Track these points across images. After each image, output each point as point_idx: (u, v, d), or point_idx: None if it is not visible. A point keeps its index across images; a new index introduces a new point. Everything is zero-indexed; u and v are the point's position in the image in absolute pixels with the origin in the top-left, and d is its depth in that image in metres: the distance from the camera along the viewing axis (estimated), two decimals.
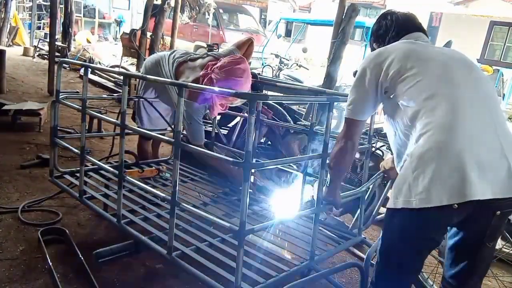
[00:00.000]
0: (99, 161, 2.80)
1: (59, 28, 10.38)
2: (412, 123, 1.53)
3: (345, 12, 4.62)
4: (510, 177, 1.43)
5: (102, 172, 2.87)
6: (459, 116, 1.46)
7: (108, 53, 11.37)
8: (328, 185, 1.90)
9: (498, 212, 1.47)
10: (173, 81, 2.86)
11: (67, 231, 2.59)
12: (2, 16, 11.20)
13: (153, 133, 2.40)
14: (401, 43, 1.72)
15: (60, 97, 2.70)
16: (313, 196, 2.04)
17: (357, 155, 2.80)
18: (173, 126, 2.78)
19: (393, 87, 1.57)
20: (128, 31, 8.45)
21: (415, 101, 1.51)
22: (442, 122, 1.45)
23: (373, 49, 1.87)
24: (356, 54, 8.91)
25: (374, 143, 2.72)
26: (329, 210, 2.47)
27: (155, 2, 7.79)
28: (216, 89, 3.41)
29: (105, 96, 6.74)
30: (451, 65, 1.61)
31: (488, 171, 1.42)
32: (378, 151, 2.83)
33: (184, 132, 2.86)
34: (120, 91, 2.97)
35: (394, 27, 1.80)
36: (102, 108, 5.89)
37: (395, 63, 1.57)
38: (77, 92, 6.09)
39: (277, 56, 9.24)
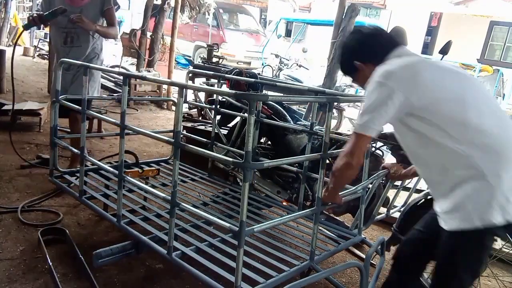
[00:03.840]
0: (99, 161, 2.80)
1: None
2: (463, 139, 1.50)
3: (345, 12, 4.63)
4: None
5: (102, 172, 2.87)
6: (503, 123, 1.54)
7: (108, 53, 11.35)
8: (328, 188, 1.89)
9: None
10: (173, 82, 2.85)
11: (67, 231, 2.59)
12: (2, 16, 11.20)
13: (152, 133, 2.40)
14: (418, 58, 1.66)
15: (60, 97, 2.71)
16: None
17: None
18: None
19: (429, 107, 1.53)
20: (128, 31, 8.45)
21: (459, 119, 1.51)
22: (497, 136, 1.50)
23: (354, 68, 1.76)
24: None
25: (374, 143, 2.72)
26: (329, 210, 2.47)
27: (155, 2, 7.80)
28: (217, 89, 3.42)
29: (105, 96, 6.73)
30: (467, 77, 1.64)
31: None
32: (378, 151, 2.83)
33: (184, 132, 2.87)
34: (120, 91, 2.98)
35: (388, 43, 1.73)
36: (102, 108, 5.89)
37: (430, 83, 1.54)
38: None
39: (277, 56, 9.25)
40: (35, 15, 3.19)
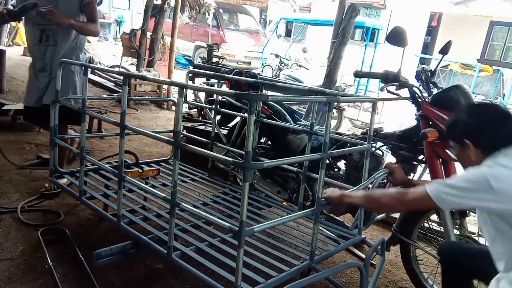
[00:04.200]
0: (99, 161, 2.80)
1: None
2: None
3: (345, 12, 4.63)
4: None
5: (102, 172, 2.87)
6: None
7: (108, 53, 11.37)
8: (352, 196, 1.92)
9: None
10: (173, 82, 2.85)
11: (67, 231, 2.59)
12: None
13: (152, 133, 2.40)
14: None
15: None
16: None
17: (357, 155, 2.80)
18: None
19: None
20: (128, 31, 8.46)
21: None
22: None
23: (461, 142, 1.64)
24: (356, 54, 8.91)
25: (374, 143, 2.72)
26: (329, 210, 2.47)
27: (155, 2, 7.80)
28: (217, 89, 3.42)
29: (105, 96, 6.74)
30: None
31: None
32: (378, 151, 2.83)
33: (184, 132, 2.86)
34: (120, 91, 2.97)
35: (508, 138, 1.59)
36: (102, 108, 5.89)
37: None
38: None
39: (277, 56, 9.24)
40: (4, 11, 3.00)
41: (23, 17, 3.12)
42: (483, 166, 1.55)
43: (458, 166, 2.03)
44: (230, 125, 3.75)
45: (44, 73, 3.13)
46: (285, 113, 3.26)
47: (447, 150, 2.22)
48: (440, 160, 2.37)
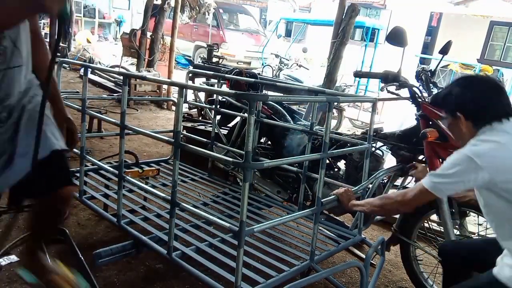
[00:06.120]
0: (99, 161, 2.80)
1: None
2: None
3: (345, 12, 4.62)
4: None
5: (102, 172, 2.87)
6: None
7: (108, 53, 11.37)
8: (362, 204, 1.95)
9: None
10: (173, 82, 2.85)
11: (67, 231, 2.58)
12: None
13: (152, 133, 2.40)
14: None
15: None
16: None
17: (357, 155, 2.80)
18: None
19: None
20: (128, 31, 8.46)
21: None
22: None
23: (453, 114, 1.65)
24: (356, 54, 8.92)
25: (374, 143, 2.72)
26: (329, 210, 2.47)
27: (155, 2, 7.80)
28: (217, 89, 3.41)
29: (105, 96, 6.74)
30: None
31: None
32: (378, 151, 2.83)
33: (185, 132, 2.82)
34: (120, 91, 2.98)
35: (499, 111, 1.60)
36: (102, 108, 5.89)
37: None
38: (77, 92, 6.11)
39: (277, 56, 9.24)
40: None
41: None
42: (466, 146, 1.57)
43: None
44: (230, 125, 3.75)
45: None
46: (285, 113, 3.26)
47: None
48: (440, 160, 2.37)
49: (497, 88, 1.64)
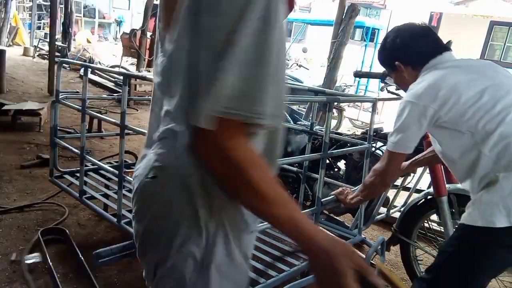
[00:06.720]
0: (99, 161, 2.81)
1: (59, 28, 10.40)
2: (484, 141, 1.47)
3: (345, 12, 4.63)
4: None
5: (102, 172, 2.87)
6: None
7: (108, 53, 11.38)
8: (352, 196, 1.94)
9: None
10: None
11: (67, 231, 2.59)
12: (2, 16, 11.21)
13: None
14: (450, 71, 1.59)
15: (60, 97, 2.71)
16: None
17: (357, 155, 2.80)
18: None
19: (454, 116, 1.52)
20: (128, 31, 8.46)
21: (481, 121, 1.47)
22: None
23: (393, 67, 1.70)
24: (356, 54, 8.92)
25: (374, 143, 2.72)
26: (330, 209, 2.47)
27: (155, 2, 7.80)
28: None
29: (105, 96, 6.74)
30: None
31: None
32: (378, 151, 2.83)
33: None
34: (120, 91, 2.98)
35: (431, 49, 1.66)
36: (102, 108, 5.89)
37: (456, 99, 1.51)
38: (77, 92, 6.10)
39: None
40: None
41: None
42: (406, 93, 1.61)
43: None
44: None
45: None
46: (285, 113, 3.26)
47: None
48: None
49: (423, 29, 1.70)
